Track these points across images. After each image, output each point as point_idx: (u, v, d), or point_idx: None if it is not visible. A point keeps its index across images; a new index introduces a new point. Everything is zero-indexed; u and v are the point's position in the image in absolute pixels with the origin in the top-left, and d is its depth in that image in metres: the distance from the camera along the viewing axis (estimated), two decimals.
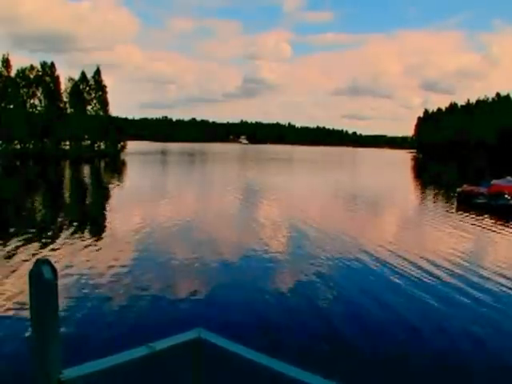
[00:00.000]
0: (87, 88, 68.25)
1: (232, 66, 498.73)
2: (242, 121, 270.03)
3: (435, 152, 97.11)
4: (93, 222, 18.39)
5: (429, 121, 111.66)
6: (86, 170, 49.72)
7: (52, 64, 64.78)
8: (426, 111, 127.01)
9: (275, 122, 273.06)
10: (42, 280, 1.36)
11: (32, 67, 62.99)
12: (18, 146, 59.91)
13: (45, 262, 1.39)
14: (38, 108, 63.11)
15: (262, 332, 7.60)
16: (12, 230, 15.84)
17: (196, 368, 1.78)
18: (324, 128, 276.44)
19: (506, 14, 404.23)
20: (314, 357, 6.56)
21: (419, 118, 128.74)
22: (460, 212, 22.87)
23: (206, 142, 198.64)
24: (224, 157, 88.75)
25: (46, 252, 12.17)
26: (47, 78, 63.91)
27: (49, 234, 15.05)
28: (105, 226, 17.20)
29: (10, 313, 7.97)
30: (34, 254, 11.69)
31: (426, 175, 58.44)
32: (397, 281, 10.64)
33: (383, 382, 6.23)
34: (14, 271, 10.33)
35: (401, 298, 9.53)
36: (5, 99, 58.65)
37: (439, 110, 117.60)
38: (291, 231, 16.69)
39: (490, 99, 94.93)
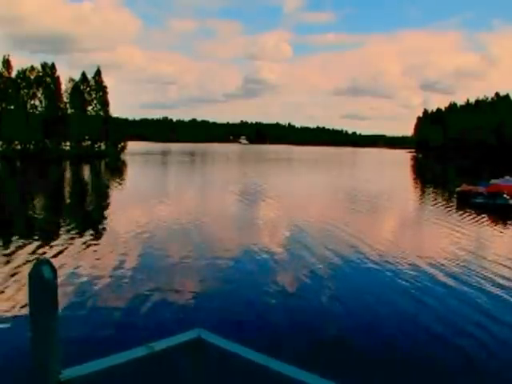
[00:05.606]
0: (88, 89, 68.27)
1: (232, 66, 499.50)
2: (242, 121, 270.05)
3: (434, 152, 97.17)
4: (93, 222, 18.36)
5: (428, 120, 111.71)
6: (87, 170, 49.72)
7: (52, 65, 64.84)
8: (425, 111, 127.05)
9: (275, 122, 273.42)
10: (42, 280, 1.35)
11: (32, 68, 63.04)
12: (19, 147, 59.91)
13: (45, 262, 1.39)
14: (39, 109, 63.12)
15: (262, 332, 7.60)
16: (13, 230, 15.85)
17: (196, 368, 1.77)
18: (324, 128, 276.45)
19: (505, 14, 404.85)
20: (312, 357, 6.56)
21: (419, 118, 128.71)
22: (459, 211, 22.85)
23: (206, 142, 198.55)
24: (224, 157, 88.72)
25: (45, 251, 12.17)
26: (48, 79, 63.90)
27: (49, 233, 15.04)
28: (105, 226, 17.19)
29: (11, 313, 7.96)
30: (33, 253, 11.70)
31: (426, 174, 58.38)
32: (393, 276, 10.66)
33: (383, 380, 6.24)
34: (14, 270, 10.32)
35: (399, 295, 9.55)
36: (5, 100, 58.67)
37: (439, 109, 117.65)
38: (290, 232, 16.69)
39: (490, 99, 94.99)
